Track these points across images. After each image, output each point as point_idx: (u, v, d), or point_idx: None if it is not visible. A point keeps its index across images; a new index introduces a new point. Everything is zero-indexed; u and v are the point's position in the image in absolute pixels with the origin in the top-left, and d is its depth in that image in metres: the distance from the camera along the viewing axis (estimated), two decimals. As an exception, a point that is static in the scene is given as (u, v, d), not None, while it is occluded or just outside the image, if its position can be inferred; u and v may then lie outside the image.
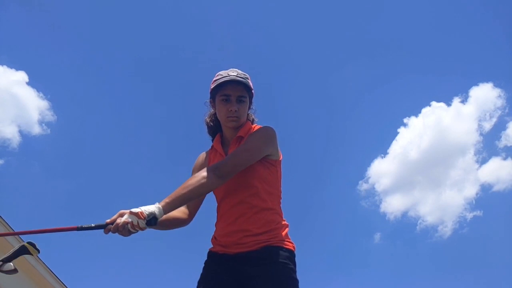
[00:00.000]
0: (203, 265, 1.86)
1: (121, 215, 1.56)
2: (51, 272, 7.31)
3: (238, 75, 1.84)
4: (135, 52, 17.39)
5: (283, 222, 1.84)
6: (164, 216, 1.63)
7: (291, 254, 1.76)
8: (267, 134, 1.84)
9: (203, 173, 1.66)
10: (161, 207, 1.58)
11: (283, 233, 1.80)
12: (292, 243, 1.81)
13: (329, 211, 17.31)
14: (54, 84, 16.50)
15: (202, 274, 1.82)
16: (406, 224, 16.69)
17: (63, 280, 7.60)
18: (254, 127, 1.92)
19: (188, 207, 1.95)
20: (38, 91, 14.93)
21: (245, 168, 1.74)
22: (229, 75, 1.84)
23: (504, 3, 15.25)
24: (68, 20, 16.13)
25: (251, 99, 1.93)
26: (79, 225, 1.59)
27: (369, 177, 16.88)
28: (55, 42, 16.20)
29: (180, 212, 1.92)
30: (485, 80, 17.34)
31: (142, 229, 1.57)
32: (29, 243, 1.72)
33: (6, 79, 14.49)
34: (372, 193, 17.90)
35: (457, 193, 17.53)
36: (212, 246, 1.89)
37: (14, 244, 6.30)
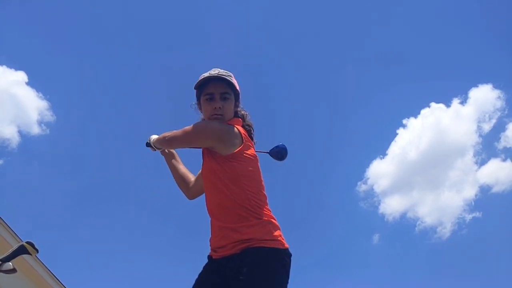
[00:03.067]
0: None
1: None
2: (50, 272, 7.30)
3: (220, 73, 1.84)
4: (135, 52, 17.40)
5: (264, 218, 1.75)
6: (181, 169, 2.17)
7: (271, 253, 1.67)
8: (201, 127, 1.82)
9: (168, 132, 1.92)
10: (155, 138, 2.03)
11: (263, 231, 1.71)
12: (275, 241, 1.70)
13: (328, 212, 17.31)
14: (53, 84, 16.50)
15: (196, 280, 1.84)
16: (405, 225, 16.68)
17: (62, 280, 7.60)
18: (235, 121, 1.90)
19: (197, 182, 2.11)
20: (37, 91, 14.93)
21: (206, 167, 1.84)
22: (210, 74, 1.84)
23: (503, 4, 15.27)
24: (68, 20, 16.14)
25: (237, 97, 1.92)
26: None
27: (368, 178, 16.88)
28: (55, 42, 16.21)
29: (192, 180, 2.15)
30: (485, 81, 17.37)
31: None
32: (28, 242, 1.72)
33: (6, 79, 14.49)
34: (371, 194, 17.88)
35: (456, 195, 17.53)
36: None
37: (13, 243, 6.30)
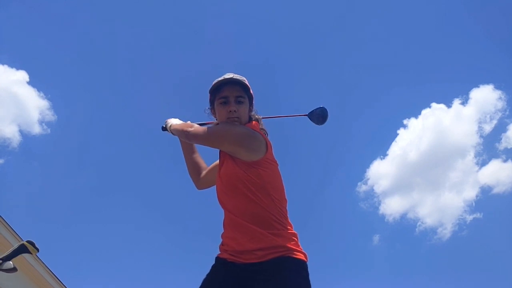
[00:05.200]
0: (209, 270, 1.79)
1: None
2: (50, 271, 7.31)
3: (234, 78, 1.82)
4: (136, 52, 17.41)
5: (289, 228, 1.75)
6: (196, 158, 2.14)
7: (301, 265, 1.67)
8: (230, 130, 1.77)
9: (189, 125, 1.92)
10: (172, 124, 2.02)
11: (291, 241, 1.70)
12: (302, 253, 1.71)
13: (328, 212, 17.33)
14: (54, 84, 16.52)
15: (205, 280, 1.76)
16: (405, 226, 16.70)
17: (62, 279, 7.61)
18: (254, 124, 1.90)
19: (207, 175, 2.09)
20: (38, 90, 14.97)
21: (228, 171, 1.76)
22: (225, 78, 1.82)
23: (505, 5, 15.26)
24: (69, 20, 16.16)
25: (251, 101, 1.89)
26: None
27: (368, 179, 16.91)
28: (56, 42, 16.24)
29: (204, 171, 2.12)
30: (486, 82, 17.37)
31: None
32: (28, 241, 1.73)
33: (7, 79, 14.53)
34: (371, 194, 17.92)
35: (456, 195, 17.56)
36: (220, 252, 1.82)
37: (14, 243, 6.31)
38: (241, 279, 1.66)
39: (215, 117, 1.91)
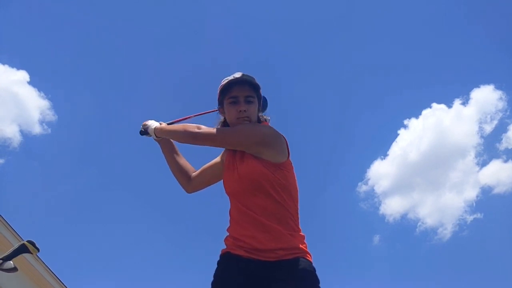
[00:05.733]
0: (219, 265, 1.76)
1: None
2: (50, 271, 7.31)
3: (244, 77, 1.82)
4: (137, 51, 17.42)
5: (301, 231, 1.77)
6: (179, 159, 2.06)
7: (313, 267, 1.70)
8: (255, 130, 1.78)
9: (196, 126, 1.82)
10: (157, 127, 1.98)
11: (304, 244, 1.74)
12: (311, 256, 1.73)
13: (328, 212, 17.32)
14: (55, 83, 16.54)
15: (219, 276, 1.73)
16: (406, 226, 16.69)
17: (62, 279, 7.61)
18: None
19: (198, 177, 2.04)
20: (39, 90, 14.98)
21: (250, 168, 1.74)
22: (234, 77, 1.82)
23: (506, 5, 15.26)
24: (70, 19, 16.17)
25: (260, 100, 1.89)
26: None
27: (369, 179, 16.90)
28: (56, 42, 16.25)
29: (193, 173, 2.06)
30: (487, 82, 17.40)
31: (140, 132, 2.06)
32: (29, 241, 1.73)
33: (7, 79, 14.54)
34: (371, 195, 17.92)
35: (457, 196, 17.55)
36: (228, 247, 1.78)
37: (14, 242, 6.32)
38: (257, 277, 1.65)
39: (224, 116, 1.91)
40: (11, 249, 1.72)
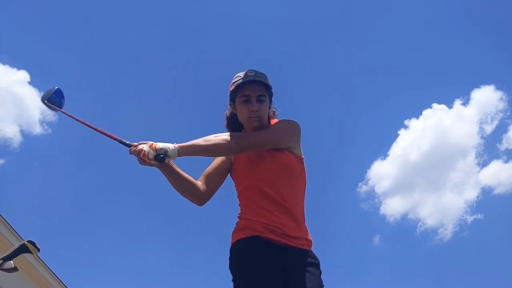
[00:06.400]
0: (244, 250, 1.74)
1: (143, 143, 1.72)
2: (50, 271, 7.32)
3: (257, 75, 1.85)
4: (137, 51, 17.42)
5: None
6: (184, 174, 1.84)
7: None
8: (292, 125, 1.91)
9: (226, 135, 1.77)
10: (176, 147, 1.70)
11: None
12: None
13: (328, 213, 17.28)
14: (55, 83, 16.38)
15: (254, 257, 1.71)
16: (406, 226, 16.67)
17: (62, 279, 7.62)
18: (275, 121, 1.96)
19: (207, 184, 1.92)
20: (39, 90, 14.92)
21: (286, 161, 1.84)
22: (247, 75, 1.84)
23: (506, 5, 15.25)
24: (71, 19, 16.18)
25: (271, 98, 1.93)
26: (121, 139, 1.82)
27: (369, 179, 16.86)
28: (57, 42, 16.25)
29: (200, 183, 1.91)
30: (487, 82, 17.35)
31: (150, 160, 1.68)
32: (29, 241, 1.73)
33: (8, 78, 14.52)
34: (372, 195, 17.90)
35: (457, 196, 17.53)
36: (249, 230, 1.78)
37: (14, 242, 6.32)
38: (289, 262, 1.71)
39: (235, 112, 1.93)
40: (12, 249, 1.72)
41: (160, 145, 1.68)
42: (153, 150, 1.67)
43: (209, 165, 1.99)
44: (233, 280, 1.71)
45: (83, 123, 2.02)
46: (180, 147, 1.70)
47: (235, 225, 1.86)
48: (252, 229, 1.75)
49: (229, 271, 1.75)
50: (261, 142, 1.81)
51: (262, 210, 1.78)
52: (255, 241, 1.72)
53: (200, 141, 1.75)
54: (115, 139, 1.84)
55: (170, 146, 1.69)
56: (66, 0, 16.34)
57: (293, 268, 1.69)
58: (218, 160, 1.97)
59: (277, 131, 1.86)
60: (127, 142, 1.78)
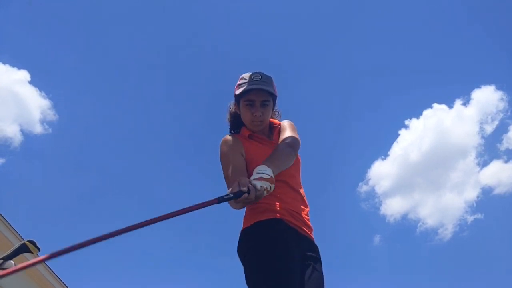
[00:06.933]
0: (268, 230, 1.74)
1: (245, 183, 1.51)
2: (51, 271, 7.32)
3: (262, 80, 1.88)
4: (138, 51, 17.42)
5: None
6: None
7: None
8: (294, 126, 2.07)
9: (285, 149, 1.85)
10: (272, 170, 1.59)
11: None
12: None
13: (329, 212, 17.28)
14: (56, 83, 16.54)
15: (275, 242, 1.71)
16: (406, 226, 16.69)
17: (63, 279, 7.62)
18: (276, 122, 2.06)
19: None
20: (40, 90, 14.99)
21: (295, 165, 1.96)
22: (253, 80, 1.88)
23: (506, 5, 15.25)
24: (71, 19, 16.18)
25: (275, 101, 2.00)
26: (219, 196, 1.49)
27: (369, 179, 16.90)
28: (58, 41, 16.25)
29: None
30: (487, 82, 17.36)
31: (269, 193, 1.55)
32: (29, 241, 1.73)
33: (8, 78, 14.55)
34: (372, 195, 17.93)
35: (457, 196, 17.53)
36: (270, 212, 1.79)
37: (15, 242, 6.32)
38: (303, 251, 1.79)
39: (238, 112, 1.99)
40: (12, 249, 1.72)
41: (268, 172, 1.56)
42: (273, 183, 1.56)
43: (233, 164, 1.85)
44: (251, 261, 1.70)
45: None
46: (273, 169, 1.62)
47: (248, 211, 1.83)
48: (274, 211, 1.78)
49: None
50: (297, 150, 1.95)
51: (283, 196, 1.84)
52: (279, 223, 1.76)
53: (274, 159, 1.72)
54: (211, 203, 1.50)
55: (269, 171, 1.57)
56: (66, 0, 16.34)
57: (307, 259, 1.77)
58: (240, 156, 1.88)
59: (296, 133, 2.02)
60: (231, 194, 1.51)
